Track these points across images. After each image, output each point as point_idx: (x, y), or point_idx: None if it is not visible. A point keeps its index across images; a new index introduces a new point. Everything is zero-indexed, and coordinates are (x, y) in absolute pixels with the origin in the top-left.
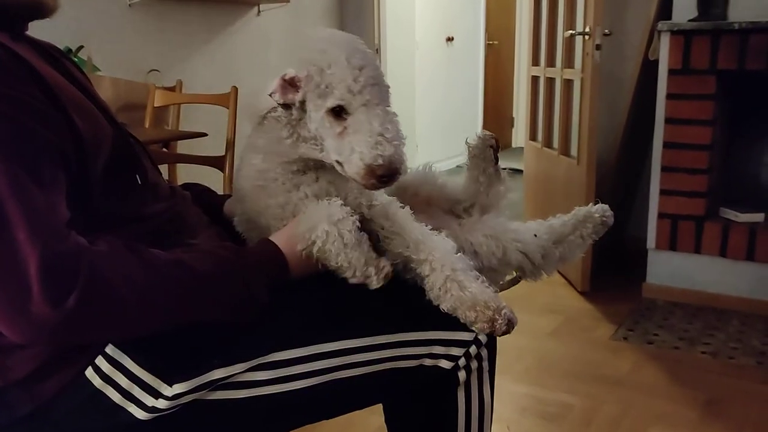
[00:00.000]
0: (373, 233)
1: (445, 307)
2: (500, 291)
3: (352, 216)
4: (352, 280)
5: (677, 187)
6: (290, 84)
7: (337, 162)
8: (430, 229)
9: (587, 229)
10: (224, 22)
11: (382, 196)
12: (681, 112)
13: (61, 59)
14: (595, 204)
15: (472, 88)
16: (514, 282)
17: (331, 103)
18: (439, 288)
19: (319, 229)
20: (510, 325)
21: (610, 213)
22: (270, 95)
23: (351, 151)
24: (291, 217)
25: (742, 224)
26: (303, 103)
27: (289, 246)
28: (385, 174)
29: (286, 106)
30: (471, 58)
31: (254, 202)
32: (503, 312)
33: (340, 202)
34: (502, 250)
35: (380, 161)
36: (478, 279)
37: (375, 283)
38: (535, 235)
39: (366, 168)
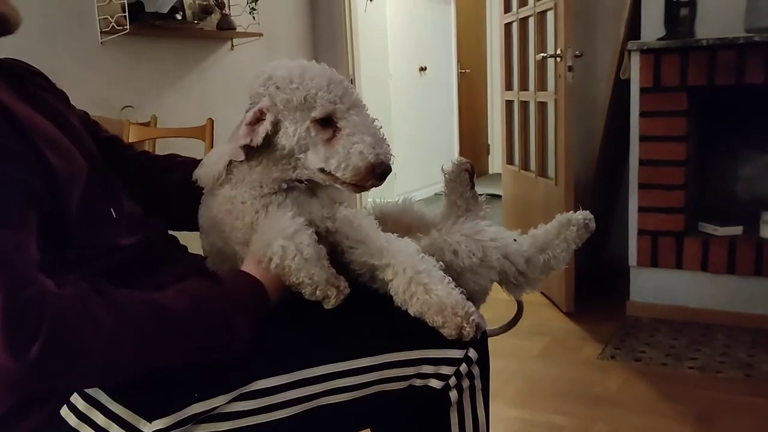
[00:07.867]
0: (338, 245)
1: (412, 311)
2: (503, 332)
3: (306, 227)
4: (310, 297)
5: (655, 204)
6: (257, 120)
7: (322, 170)
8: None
9: (571, 232)
10: (198, 57)
11: (346, 210)
12: (655, 129)
13: (35, 88)
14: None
15: (446, 117)
16: (514, 321)
17: (319, 112)
18: (404, 292)
19: (275, 245)
20: (478, 331)
21: (591, 217)
22: (245, 145)
23: (348, 153)
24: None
25: (721, 238)
26: (275, 124)
27: (259, 268)
28: (385, 172)
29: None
30: (444, 86)
31: (220, 229)
32: (471, 319)
33: (290, 213)
34: (482, 251)
35: (382, 158)
36: (444, 279)
37: (332, 303)
38: (515, 240)
39: (368, 167)
